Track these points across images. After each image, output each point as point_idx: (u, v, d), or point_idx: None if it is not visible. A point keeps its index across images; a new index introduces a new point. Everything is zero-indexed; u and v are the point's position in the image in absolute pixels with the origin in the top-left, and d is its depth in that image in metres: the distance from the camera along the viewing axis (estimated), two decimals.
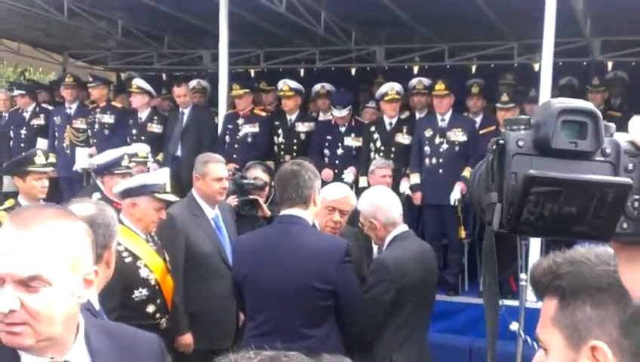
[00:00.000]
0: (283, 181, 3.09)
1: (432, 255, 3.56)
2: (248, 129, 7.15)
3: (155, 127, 7.54)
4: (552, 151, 0.67)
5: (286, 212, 3.07)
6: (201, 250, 3.99)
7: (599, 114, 0.68)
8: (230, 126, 7.15)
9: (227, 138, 7.16)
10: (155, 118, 7.61)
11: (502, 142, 0.69)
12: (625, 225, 0.69)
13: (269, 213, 4.60)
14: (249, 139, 7.15)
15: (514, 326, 4.36)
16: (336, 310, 3.03)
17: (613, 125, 0.70)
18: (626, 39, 7.78)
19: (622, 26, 7.30)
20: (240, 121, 7.18)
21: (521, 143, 0.69)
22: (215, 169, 4.14)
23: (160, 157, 7.30)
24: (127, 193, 3.43)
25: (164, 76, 10.60)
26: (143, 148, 4.99)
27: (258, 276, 3.07)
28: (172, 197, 3.68)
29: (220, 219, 4.22)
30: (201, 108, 7.91)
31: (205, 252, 4.01)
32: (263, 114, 7.41)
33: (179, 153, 7.36)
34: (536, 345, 1.18)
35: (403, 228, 3.46)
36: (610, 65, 8.43)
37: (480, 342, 5.33)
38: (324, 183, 5.36)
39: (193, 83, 8.18)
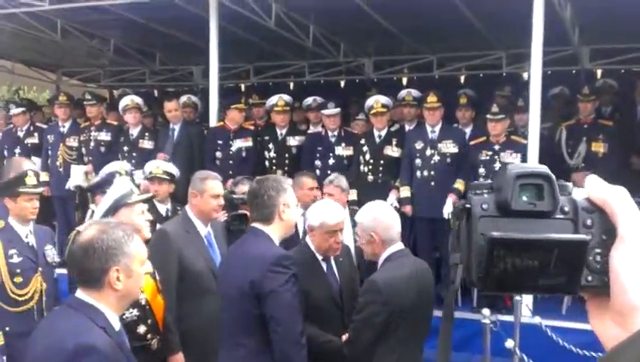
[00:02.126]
0: (247, 200, 3.35)
1: (427, 274, 3.45)
2: (241, 143, 7.10)
3: (147, 143, 7.56)
4: (513, 212, 0.73)
5: (251, 225, 3.26)
6: (193, 268, 3.98)
7: (553, 176, 0.74)
8: (220, 141, 7.09)
9: (219, 154, 7.09)
10: (147, 134, 7.63)
11: (468, 206, 0.74)
12: (589, 278, 0.73)
13: None
14: (243, 154, 7.10)
15: (509, 343, 4.28)
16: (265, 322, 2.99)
17: (570, 184, 0.76)
18: (615, 47, 7.83)
19: (610, 34, 7.34)
20: (230, 136, 7.10)
21: (485, 206, 0.74)
22: (212, 186, 4.18)
23: None
24: (107, 216, 3.43)
25: (155, 93, 10.65)
26: (123, 166, 5.01)
27: (220, 284, 3.35)
28: (144, 196, 3.73)
29: (212, 237, 4.21)
30: (192, 124, 7.92)
31: (198, 269, 4.00)
32: (252, 128, 7.39)
33: None
34: None
35: (399, 246, 3.39)
36: (599, 73, 8.45)
37: (475, 358, 5.22)
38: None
39: (183, 98, 8.21)
